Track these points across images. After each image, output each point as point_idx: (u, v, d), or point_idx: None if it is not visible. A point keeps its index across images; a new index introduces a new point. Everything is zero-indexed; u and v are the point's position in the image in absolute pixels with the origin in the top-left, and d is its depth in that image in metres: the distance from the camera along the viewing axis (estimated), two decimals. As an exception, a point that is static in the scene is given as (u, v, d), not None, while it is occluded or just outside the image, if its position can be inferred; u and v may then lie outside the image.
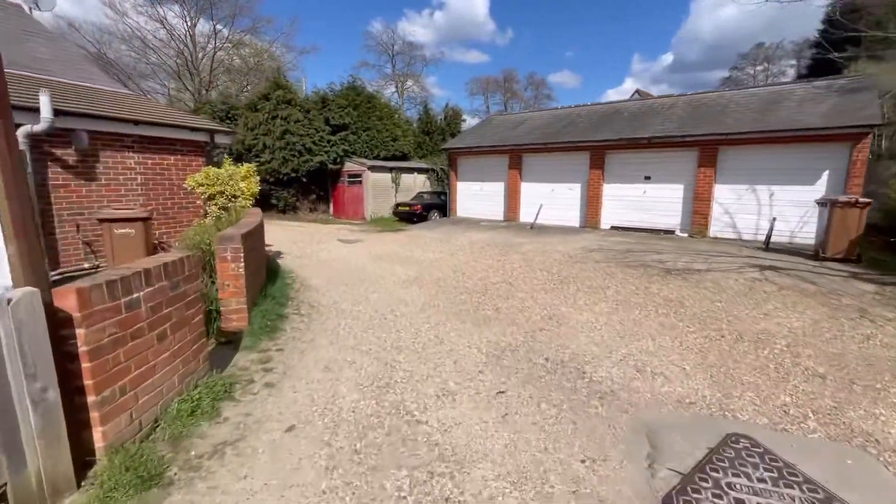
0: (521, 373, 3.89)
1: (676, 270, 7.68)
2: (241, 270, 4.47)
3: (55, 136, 6.36)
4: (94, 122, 6.66)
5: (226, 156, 8.39)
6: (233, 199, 8.03)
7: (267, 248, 11.67)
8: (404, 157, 22.94)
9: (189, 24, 33.13)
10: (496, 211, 16.26)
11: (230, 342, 4.44)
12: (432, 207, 18.12)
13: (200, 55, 34.83)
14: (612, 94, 62.97)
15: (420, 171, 21.83)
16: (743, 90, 13.70)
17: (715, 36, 62.82)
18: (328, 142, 19.53)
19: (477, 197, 16.84)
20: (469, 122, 28.85)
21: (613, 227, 13.36)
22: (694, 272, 7.52)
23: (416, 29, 72.86)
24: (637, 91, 34.51)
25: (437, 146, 24.56)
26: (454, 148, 16.86)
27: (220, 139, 8.85)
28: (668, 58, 71.68)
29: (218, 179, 7.81)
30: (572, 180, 14.15)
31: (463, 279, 7.64)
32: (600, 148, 13.16)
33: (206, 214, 8.15)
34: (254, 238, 5.62)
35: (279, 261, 9.80)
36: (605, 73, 78.03)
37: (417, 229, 14.97)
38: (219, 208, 7.92)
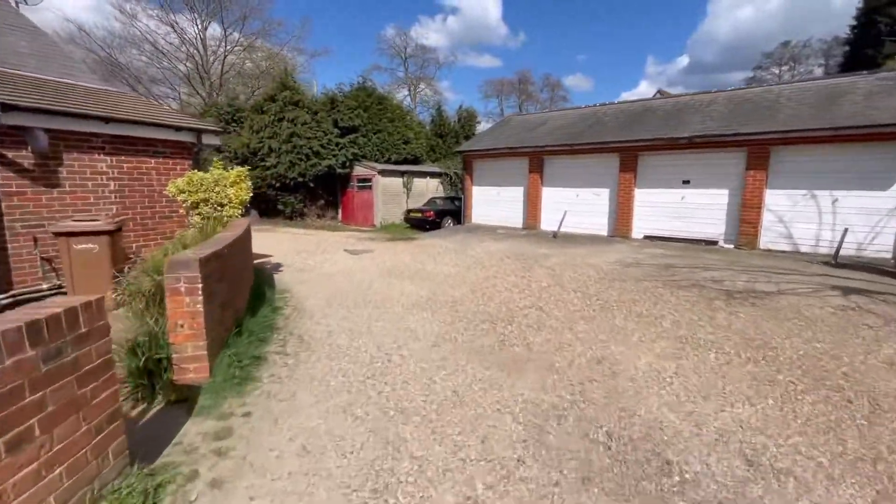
0: (577, 460, 2.74)
1: (739, 293, 6.42)
2: (199, 307, 3.40)
3: (6, 136, 5.43)
4: (54, 120, 5.72)
5: (216, 158, 7.36)
6: (219, 208, 7.04)
7: (265, 260, 10.68)
8: (416, 161, 21.93)
9: (199, 27, 32.78)
10: (515, 218, 15.09)
11: (184, 400, 3.37)
12: (446, 214, 17.03)
13: (211, 59, 34.48)
14: (627, 97, 61.91)
15: (433, 175, 20.79)
16: (793, 84, 12.33)
17: (732, 37, 61.25)
18: (337, 145, 18.62)
19: (494, 203, 15.69)
20: (483, 125, 27.77)
21: (647, 237, 12.09)
22: (762, 295, 6.25)
23: (429, 34, 72.51)
24: (659, 91, 33.07)
25: (450, 149, 23.52)
26: (470, 150, 15.77)
27: (208, 140, 7.88)
28: (683, 60, 69.87)
29: (202, 185, 6.83)
30: (599, 185, 12.92)
31: (483, 301, 6.51)
32: (632, 149, 11.92)
33: (191, 225, 7.16)
34: (229, 259, 4.56)
35: (277, 275, 8.78)
36: (619, 76, 76.43)
37: (430, 238, 13.88)
38: (203, 218, 6.93)
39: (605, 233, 12.94)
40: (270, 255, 11.48)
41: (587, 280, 7.66)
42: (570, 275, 8.13)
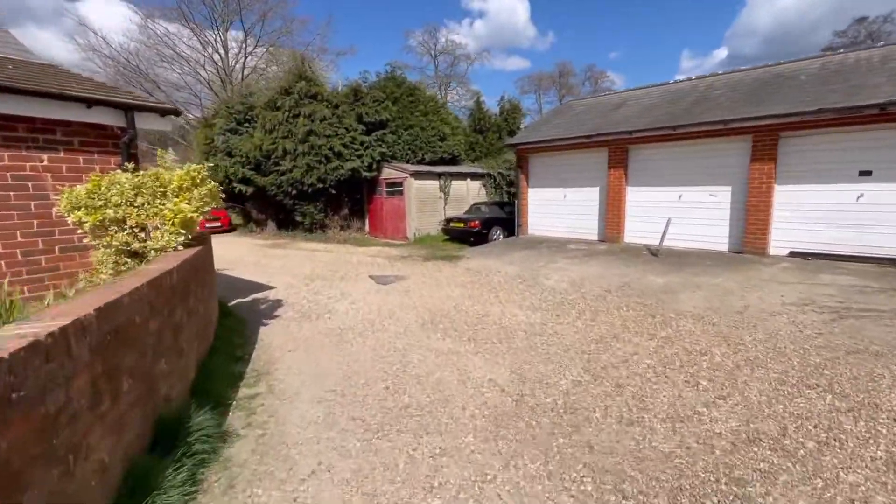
0: None
1: None
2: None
3: None
4: None
5: (160, 150, 4.15)
6: (140, 237, 4.09)
7: (263, 295, 7.83)
8: (454, 161, 18.84)
9: (220, 28, 30.99)
10: (587, 227, 11.69)
11: None
12: (494, 223, 13.79)
13: (232, 62, 32.72)
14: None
15: (474, 176, 17.61)
16: None
17: (773, 28, 56.11)
18: (362, 143, 15.75)
19: (558, 208, 12.34)
20: (524, 122, 24.38)
21: (795, 253, 8.46)
22: None
23: (456, 38, 70.03)
24: None
25: (492, 146, 20.31)
26: (524, 143, 12.49)
27: (149, 122, 4.96)
28: (721, 53, 64.61)
29: (110, 196, 3.88)
30: (715, 181, 9.38)
31: (630, 411, 3.27)
32: (771, 129, 8.36)
33: (95, 268, 4.23)
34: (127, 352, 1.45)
35: (266, 328, 5.83)
36: (652, 72, 71.23)
37: (480, 256, 10.67)
38: (118, 252, 3.99)
39: (724, 247, 9.37)
40: (272, 287, 8.58)
41: (795, 349, 4.26)
42: (749, 336, 4.74)
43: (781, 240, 8.67)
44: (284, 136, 15.32)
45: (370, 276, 9.15)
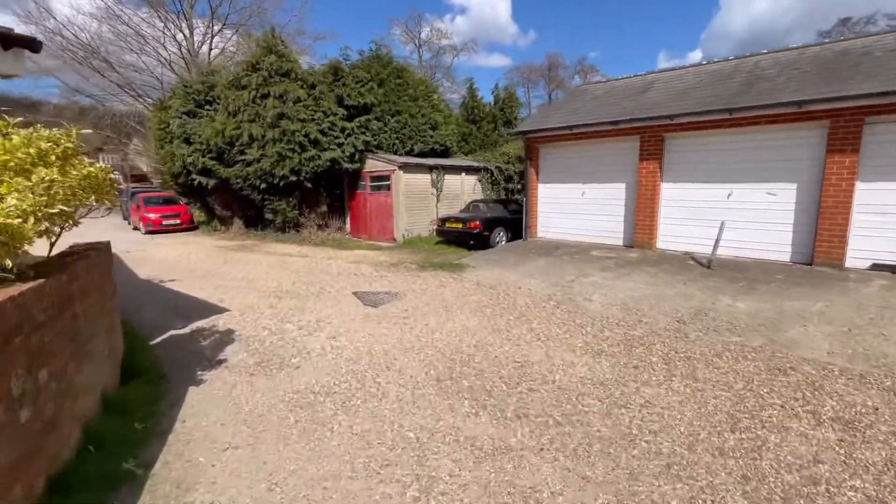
0: None
1: None
2: None
3: None
4: None
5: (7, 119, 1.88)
6: None
7: (211, 322, 5.83)
8: (445, 153, 16.90)
9: (183, 3, 28.07)
10: (611, 230, 9.98)
11: None
12: (497, 224, 11.95)
13: (198, 44, 29.85)
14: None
15: (469, 170, 15.72)
16: None
17: (747, 32, 57.89)
18: (342, 130, 13.65)
19: (574, 208, 10.59)
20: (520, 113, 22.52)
21: (877, 266, 6.91)
22: None
23: (442, 27, 68.18)
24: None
25: (487, 138, 18.45)
26: (536, 131, 10.65)
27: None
28: (696, 55, 65.91)
29: None
30: (775, 177, 7.78)
31: None
32: (855, 112, 6.76)
33: None
34: None
35: (201, 383, 3.81)
36: (630, 72, 71.59)
37: (489, 265, 8.81)
38: None
39: (785, 256, 7.77)
40: (225, 309, 6.52)
41: None
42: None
43: (861, 249, 7.11)
44: (251, 120, 13.08)
45: (355, 294, 7.18)
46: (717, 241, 7.62)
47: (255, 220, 16.13)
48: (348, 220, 15.63)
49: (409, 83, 15.52)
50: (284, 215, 14.20)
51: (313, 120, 13.15)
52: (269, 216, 14.56)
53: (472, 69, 65.50)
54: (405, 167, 13.51)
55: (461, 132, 18.03)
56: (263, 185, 13.50)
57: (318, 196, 14.89)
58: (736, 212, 8.17)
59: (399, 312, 6.04)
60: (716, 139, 8.29)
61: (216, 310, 6.51)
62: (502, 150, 16.62)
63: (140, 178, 45.90)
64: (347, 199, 15.43)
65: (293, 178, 13.19)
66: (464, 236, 11.83)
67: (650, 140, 8.94)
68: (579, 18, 69.84)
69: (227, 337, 5.32)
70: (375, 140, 14.49)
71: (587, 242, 10.25)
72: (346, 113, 13.69)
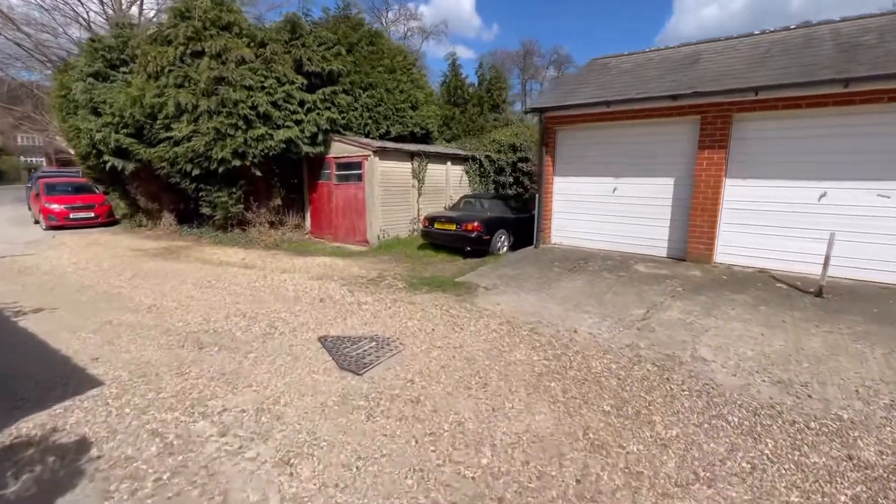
0: None
1: None
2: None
3: None
4: None
5: None
6: None
7: (56, 423, 3.12)
8: (426, 138, 14.36)
9: (106, -46, 23.63)
10: (650, 237, 7.89)
11: None
12: (499, 226, 9.61)
13: (125, 4, 25.39)
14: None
15: (455, 159, 13.28)
16: None
17: (698, 35, 61.23)
18: (301, 104, 10.80)
19: (601, 207, 8.43)
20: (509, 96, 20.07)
21: None
22: None
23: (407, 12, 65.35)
24: None
25: (472, 123, 16.02)
26: (557, 108, 8.32)
27: None
28: None
29: None
30: (888, 173, 5.86)
31: None
32: None
33: None
34: None
35: None
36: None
37: (504, 285, 6.42)
38: None
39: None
40: (97, 381, 3.70)
41: None
42: None
43: None
44: (178, 85, 9.98)
45: (322, 341, 4.61)
46: (826, 257, 5.61)
47: (190, 215, 12.97)
48: (308, 216, 12.80)
49: (384, 52, 12.80)
50: (226, 210, 11.20)
51: (263, 88, 10.23)
52: (206, 210, 11.49)
53: (436, 62, 63.10)
54: (382, 153, 10.88)
55: (443, 115, 15.50)
56: (197, 172, 10.45)
57: (270, 186, 11.97)
58: (834, 217, 6.23)
59: (401, 390, 3.56)
60: (807, 122, 6.30)
61: (80, 381, 3.77)
62: (492, 138, 14.30)
63: (68, 162, 40.06)
64: (307, 190, 12.58)
65: (236, 163, 10.23)
66: (458, 240, 9.41)
67: (714, 122, 6.85)
68: (539, 17, 69.37)
69: (68, 467, 2.66)
70: (343, 118, 11.72)
71: (617, 252, 8.12)
72: (305, 82, 10.83)
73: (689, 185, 7.25)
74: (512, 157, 13.90)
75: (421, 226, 10.42)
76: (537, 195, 8.89)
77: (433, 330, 4.86)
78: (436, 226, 9.82)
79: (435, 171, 12.59)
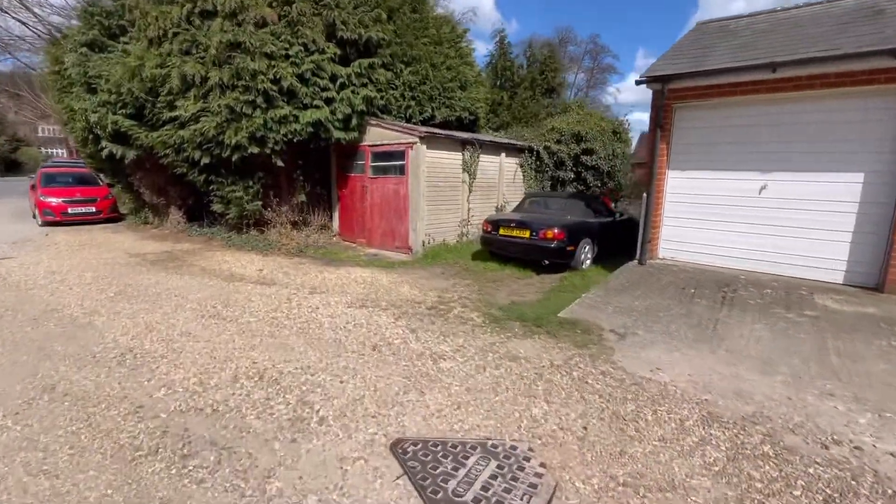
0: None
1: None
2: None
3: None
4: None
5: None
6: None
7: None
8: (473, 125, 12.28)
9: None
10: (822, 256, 5.69)
11: None
12: (583, 233, 7.50)
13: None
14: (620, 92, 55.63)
15: (510, 150, 11.18)
16: None
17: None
18: (334, 79, 8.80)
19: (736, 212, 6.27)
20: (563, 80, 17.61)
21: None
22: None
23: (432, -7, 63.70)
24: None
25: (525, 110, 13.87)
26: (687, 76, 6.09)
27: None
28: None
29: None
30: None
31: None
32: None
33: None
34: None
35: None
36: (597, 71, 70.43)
37: (647, 331, 4.25)
38: None
39: None
40: None
41: None
42: None
43: None
44: (185, 52, 8.10)
45: (395, 449, 2.55)
46: None
47: (201, 212, 11.13)
48: (336, 216, 10.83)
49: (429, 21, 10.73)
50: (241, 207, 9.30)
51: (287, 58, 8.27)
52: (217, 208, 9.62)
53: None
54: (430, 140, 8.83)
55: (491, 100, 13.37)
56: (206, 160, 8.56)
57: (293, 180, 10.04)
58: None
59: None
60: None
61: None
62: (551, 126, 12.16)
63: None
64: (336, 185, 10.61)
65: (254, 151, 8.31)
66: (532, 251, 7.33)
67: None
68: (562, 13, 66.68)
69: None
70: (382, 98, 9.69)
71: (764, 273, 5.94)
72: (338, 52, 8.83)
73: (893, 182, 5.03)
74: (575, 149, 11.77)
75: (481, 231, 8.34)
76: (645, 195, 6.72)
77: (586, 430, 2.79)
78: (501, 232, 7.74)
79: (487, 163, 10.49)
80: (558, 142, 11.80)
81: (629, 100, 62.66)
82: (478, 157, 10.09)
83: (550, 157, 11.73)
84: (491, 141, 10.48)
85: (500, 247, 7.83)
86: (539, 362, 3.79)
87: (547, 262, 7.30)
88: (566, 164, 11.86)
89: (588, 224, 7.74)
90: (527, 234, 7.36)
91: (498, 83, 14.16)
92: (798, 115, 5.60)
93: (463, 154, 9.79)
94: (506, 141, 11.09)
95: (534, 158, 11.75)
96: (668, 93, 6.12)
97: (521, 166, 11.70)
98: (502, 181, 11.10)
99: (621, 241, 9.33)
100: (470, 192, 10.14)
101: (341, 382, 3.46)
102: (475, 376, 3.56)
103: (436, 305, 5.55)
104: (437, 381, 3.47)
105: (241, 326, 4.71)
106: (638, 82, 6.21)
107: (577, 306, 5.10)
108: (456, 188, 9.84)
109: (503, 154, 10.97)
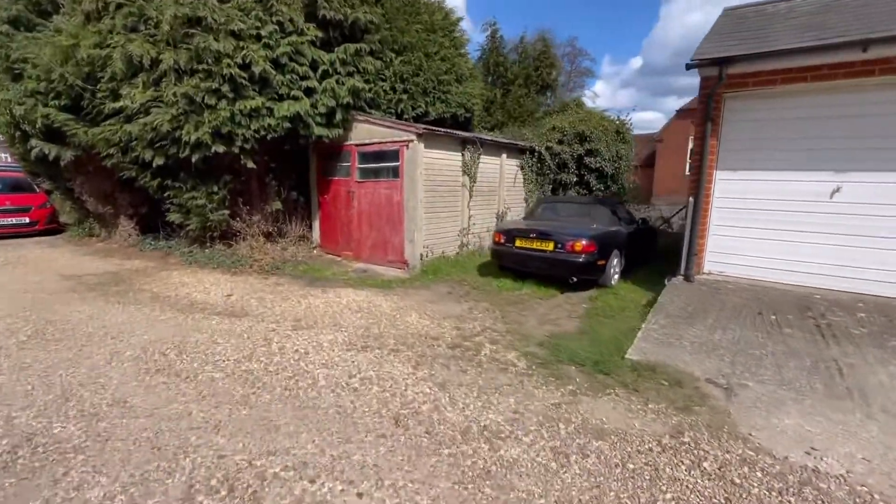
0: None
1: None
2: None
3: None
4: None
5: None
6: None
7: None
8: (467, 124, 11.18)
9: None
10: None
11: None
12: (612, 244, 6.46)
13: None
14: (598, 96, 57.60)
15: (511, 150, 10.12)
16: None
17: (683, 41, 64.30)
18: (314, 66, 7.49)
19: (802, 218, 5.34)
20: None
21: None
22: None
23: None
24: None
25: (520, 107, 12.87)
26: (750, 59, 5.11)
27: None
28: (638, 61, 71.31)
29: None
30: None
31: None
32: None
33: None
34: None
35: None
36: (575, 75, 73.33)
37: (731, 366, 3.15)
38: None
39: None
40: None
41: None
42: None
43: None
44: (131, 29, 6.65)
45: None
46: None
47: (156, 222, 9.55)
48: (317, 225, 9.48)
49: (420, 5, 9.56)
50: (203, 217, 7.82)
51: (259, 38, 6.92)
52: (174, 218, 8.10)
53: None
54: (429, 138, 7.65)
55: (485, 97, 12.30)
56: (160, 161, 7.08)
57: (266, 184, 8.64)
58: None
59: None
60: None
61: None
62: (551, 125, 11.20)
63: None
64: (317, 190, 9.26)
65: (219, 149, 6.90)
66: (556, 266, 6.25)
67: None
68: (532, 17, 67.66)
69: None
70: (370, 90, 8.45)
71: (844, 292, 5.02)
72: (320, 35, 7.53)
73: None
74: (578, 150, 10.84)
75: (491, 242, 7.17)
76: (691, 199, 5.74)
77: None
78: (517, 244, 6.62)
79: (487, 165, 9.39)
80: (560, 142, 10.85)
81: (601, 105, 63.95)
82: (478, 159, 8.97)
83: (553, 159, 10.75)
84: (493, 140, 9.39)
85: (516, 261, 6.70)
86: (639, 440, 2.66)
87: (575, 279, 6.22)
88: (569, 166, 10.92)
89: (617, 233, 6.72)
90: (550, 246, 6.26)
91: (490, 80, 13.12)
92: (885, 106, 4.72)
93: (463, 155, 8.65)
94: (508, 141, 10.02)
95: (535, 160, 10.73)
96: (726, 78, 5.15)
97: (522, 168, 10.66)
98: (503, 185, 10.01)
99: (644, 251, 8.43)
100: (471, 197, 9.01)
101: (359, 498, 2.21)
102: (560, 475, 2.38)
103: (458, 342, 4.35)
104: (507, 489, 2.27)
105: (202, 387, 3.38)
106: (689, 66, 5.21)
107: (645, 342, 4.01)
108: (455, 193, 8.67)
109: (504, 155, 9.89)
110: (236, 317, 5.06)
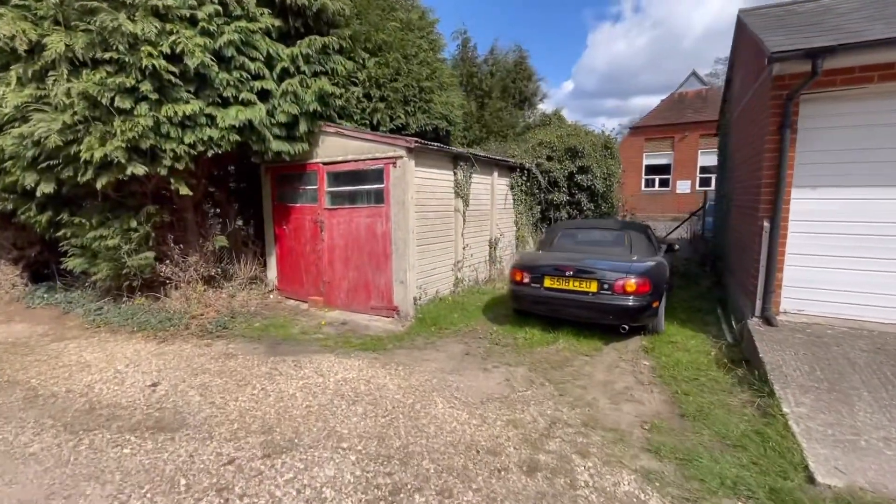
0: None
1: None
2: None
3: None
4: None
5: None
6: None
7: None
8: (446, 139, 9.80)
9: None
10: None
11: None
12: (663, 280, 5.22)
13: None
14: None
15: (502, 167, 8.85)
16: None
17: (608, 67, 73.21)
18: (270, 62, 5.78)
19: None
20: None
21: None
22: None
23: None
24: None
25: (499, 121, 11.71)
26: (860, 48, 4.10)
27: None
28: (570, 85, 77.17)
29: None
30: None
31: None
32: None
33: None
34: None
35: None
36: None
37: None
38: None
39: None
40: None
41: None
42: None
43: None
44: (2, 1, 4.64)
45: None
46: None
47: (53, 268, 7.20)
48: (273, 262, 7.58)
49: (397, 3, 8.14)
50: (117, 263, 5.73)
51: (195, 22, 5.14)
52: (75, 264, 5.93)
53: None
54: (420, 153, 6.15)
55: (465, 110, 11.02)
56: (49, 189, 5.01)
57: (205, 215, 6.69)
58: None
59: None
60: None
61: None
62: (539, 140, 10.14)
63: None
64: (273, 220, 7.39)
65: (138, 171, 4.96)
66: (601, 311, 4.91)
67: None
68: (476, 33, 71.07)
69: None
70: (341, 96, 6.83)
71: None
72: (279, 24, 5.86)
73: None
74: (570, 167, 9.84)
75: (511, 282, 5.68)
76: (767, 224, 4.64)
77: None
78: (547, 283, 5.22)
79: (478, 185, 8.03)
80: (549, 158, 9.80)
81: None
82: (470, 178, 7.59)
83: (544, 177, 9.63)
84: (486, 157, 8.05)
85: (547, 307, 5.28)
86: None
87: (627, 327, 4.91)
88: (560, 185, 9.87)
89: (662, 266, 5.51)
90: (593, 286, 4.92)
91: (464, 91, 11.91)
92: None
93: (455, 173, 7.23)
94: (499, 157, 8.74)
95: (525, 178, 9.55)
96: (821, 74, 4.13)
97: (512, 188, 9.42)
98: (494, 207, 8.69)
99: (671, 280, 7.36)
100: (464, 223, 7.57)
101: None
102: None
103: (531, 458, 2.82)
104: None
105: None
106: (771, 59, 4.13)
107: (821, 447, 2.69)
108: (448, 219, 7.20)
109: (495, 173, 8.59)
110: (164, 431, 3.20)
